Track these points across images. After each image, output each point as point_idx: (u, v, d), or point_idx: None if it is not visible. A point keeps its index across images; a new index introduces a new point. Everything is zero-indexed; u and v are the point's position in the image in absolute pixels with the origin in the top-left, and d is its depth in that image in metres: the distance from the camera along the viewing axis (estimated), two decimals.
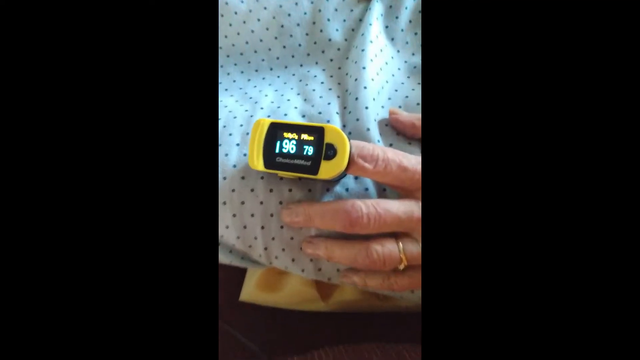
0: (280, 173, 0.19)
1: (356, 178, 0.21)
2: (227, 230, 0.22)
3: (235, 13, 0.28)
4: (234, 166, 0.22)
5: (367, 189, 0.21)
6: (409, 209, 0.18)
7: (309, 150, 0.18)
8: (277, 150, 0.19)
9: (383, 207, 0.18)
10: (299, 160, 0.18)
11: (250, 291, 0.27)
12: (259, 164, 0.19)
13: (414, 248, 0.19)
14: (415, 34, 0.26)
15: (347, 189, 0.21)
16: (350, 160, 0.18)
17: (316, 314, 0.29)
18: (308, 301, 0.26)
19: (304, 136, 0.18)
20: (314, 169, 0.18)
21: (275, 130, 0.19)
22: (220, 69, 0.29)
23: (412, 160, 0.19)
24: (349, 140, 0.18)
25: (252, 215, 0.21)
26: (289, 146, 0.18)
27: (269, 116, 0.24)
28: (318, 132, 0.18)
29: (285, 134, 0.19)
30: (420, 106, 0.23)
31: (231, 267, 0.29)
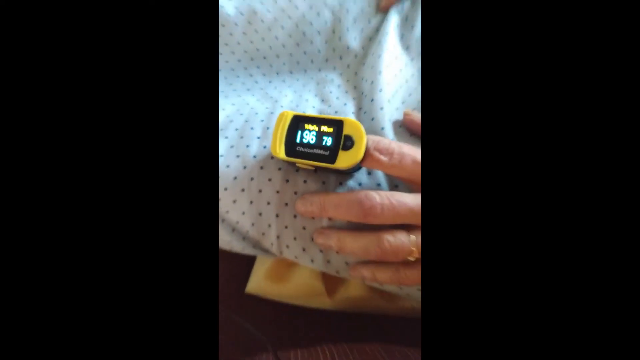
0: (299, 162, 0.20)
1: (369, 173, 0.22)
2: (243, 216, 0.23)
3: (262, 21, 0.30)
4: (254, 157, 0.23)
5: (379, 184, 0.22)
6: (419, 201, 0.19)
7: (328, 141, 0.19)
8: (298, 140, 0.20)
9: (396, 199, 0.19)
10: (318, 150, 0.19)
11: (258, 282, 0.27)
12: (280, 152, 0.20)
13: None
14: None
15: (360, 184, 0.22)
16: (366, 153, 0.19)
17: (321, 313, 0.30)
18: (314, 295, 0.27)
19: (324, 128, 0.19)
20: (332, 158, 0.19)
21: (298, 122, 0.20)
22: (244, 71, 0.30)
23: None
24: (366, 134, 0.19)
25: (268, 203, 0.22)
26: (310, 137, 0.20)
27: None
28: (337, 124, 0.19)
29: (307, 126, 0.20)
30: None
31: (241, 260, 0.30)
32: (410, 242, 0.19)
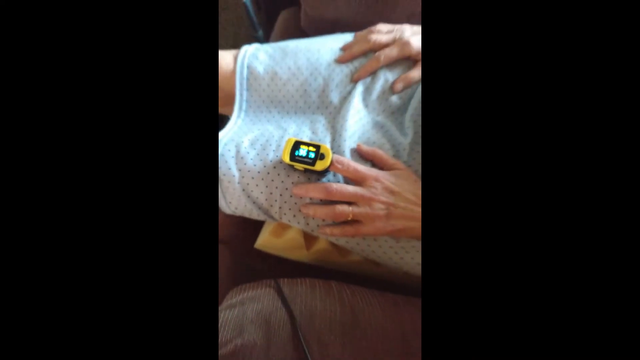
0: (296, 165, 0.38)
1: (334, 175, 0.40)
2: (261, 194, 0.40)
3: (280, 79, 0.48)
4: (271, 161, 0.41)
5: (338, 181, 0.40)
6: (357, 190, 0.37)
7: (312, 154, 0.37)
8: (296, 153, 0.38)
9: (344, 187, 0.37)
10: (306, 158, 0.37)
11: (264, 237, 0.44)
12: (286, 158, 0.38)
13: (357, 210, 0.36)
14: (380, 104, 0.47)
15: (328, 180, 0.40)
16: (331, 163, 0.37)
17: (300, 265, 0.46)
18: (297, 248, 0.44)
19: (311, 148, 0.37)
20: (313, 164, 0.37)
21: (297, 144, 0.38)
22: (266, 109, 0.49)
23: (363, 167, 0.37)
24: (333, 153, 0.37)
25: (276, 187, 0.40)
26: (303, 152, 0.37)
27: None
28: (317, 147, 0.37)
29: (302, 146, 0.38)
30: (376, 145, 0.43)
31: (254, 228, 0.47)
32: (349, 210, 0.37)
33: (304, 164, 0.37)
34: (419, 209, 0.36)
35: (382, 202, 0.36)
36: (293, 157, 0.38)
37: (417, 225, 0.36)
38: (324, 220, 0.39)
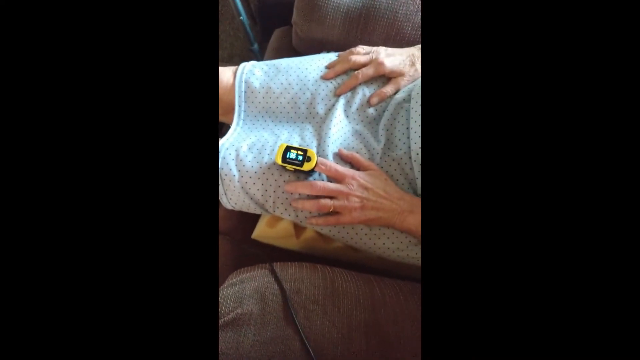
0: (287, 166, 0.45)
1: (319, 174, 0.48)
2: (258, 190, 0.48)
3: (274, 93, 0.56)
4: (266, 163, 0.48)
5: (323, 179, 0.47)
6: (337, 186, 0.44)
7: (300, 157, 0.45)
8: (287, 156, 0.45)
9: (326, 184, 0.44)
10: (295, 160, 0.45)
11: (260, 228, 0.52)
12: (279, 160, 0.45)
13: (337, 203, 0.44)
14: (359, 115, 0.55)
15: (314, 179, 0.48)
16: (316, 164, 0.45)
17: (290, 252, 0.54)
18: (288, 236, 0.51)
19: (299, 152, 0.45)
20: (301, 165, 0.44)
21: (288, 148, 0.46)
22: (261, 118, 0.56)
23: (343, 168, 0.45)
24: (318, 156, 0.45)
25: (271, 185, 0.47)
26: (293, 155, 0.45)
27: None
28: (304, 151, 0.45)
29: (292, 150, 0.45)
30: (354, 149, 0.51)
31: (253, 221, 0.54)
32: (331, 203, 0.44)
33: (294, 165, 0.45)
34: (388, 202, 0.44)
35: (357, 197, 0.44)
36: (285, 159, 0.45)
37: (385, 215, 0.44)
38: (310, 212, 0.47)
